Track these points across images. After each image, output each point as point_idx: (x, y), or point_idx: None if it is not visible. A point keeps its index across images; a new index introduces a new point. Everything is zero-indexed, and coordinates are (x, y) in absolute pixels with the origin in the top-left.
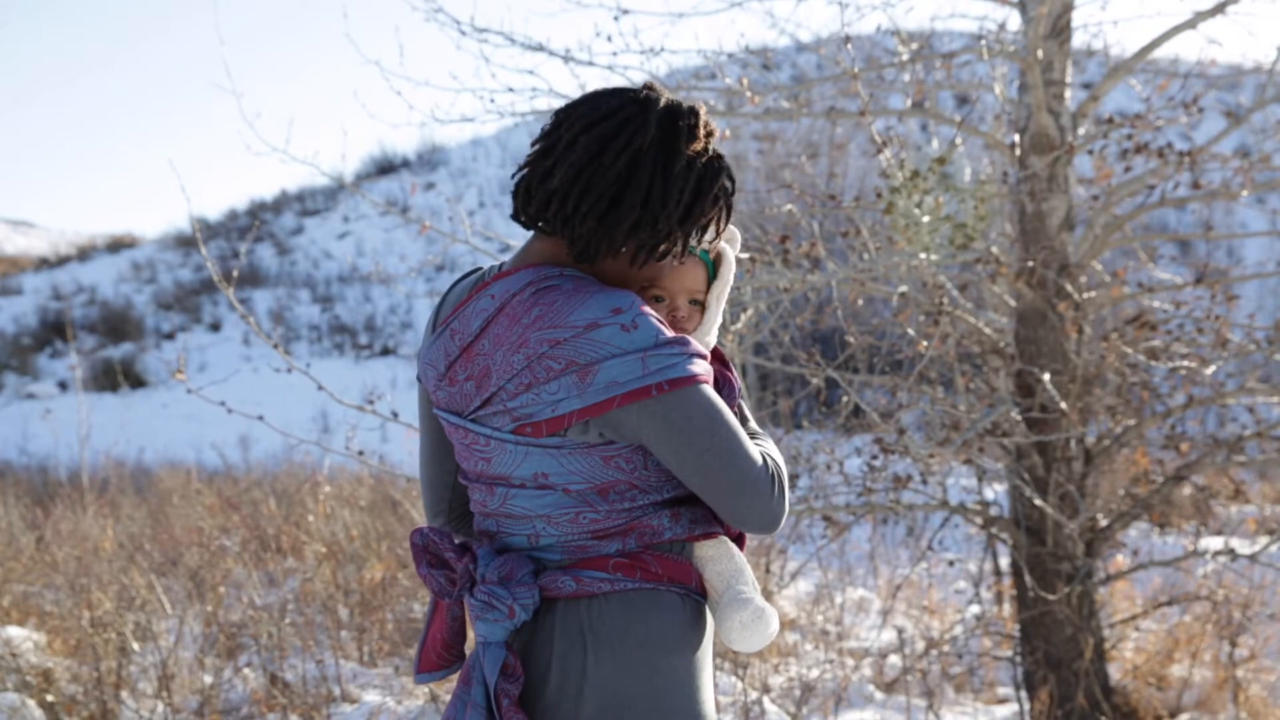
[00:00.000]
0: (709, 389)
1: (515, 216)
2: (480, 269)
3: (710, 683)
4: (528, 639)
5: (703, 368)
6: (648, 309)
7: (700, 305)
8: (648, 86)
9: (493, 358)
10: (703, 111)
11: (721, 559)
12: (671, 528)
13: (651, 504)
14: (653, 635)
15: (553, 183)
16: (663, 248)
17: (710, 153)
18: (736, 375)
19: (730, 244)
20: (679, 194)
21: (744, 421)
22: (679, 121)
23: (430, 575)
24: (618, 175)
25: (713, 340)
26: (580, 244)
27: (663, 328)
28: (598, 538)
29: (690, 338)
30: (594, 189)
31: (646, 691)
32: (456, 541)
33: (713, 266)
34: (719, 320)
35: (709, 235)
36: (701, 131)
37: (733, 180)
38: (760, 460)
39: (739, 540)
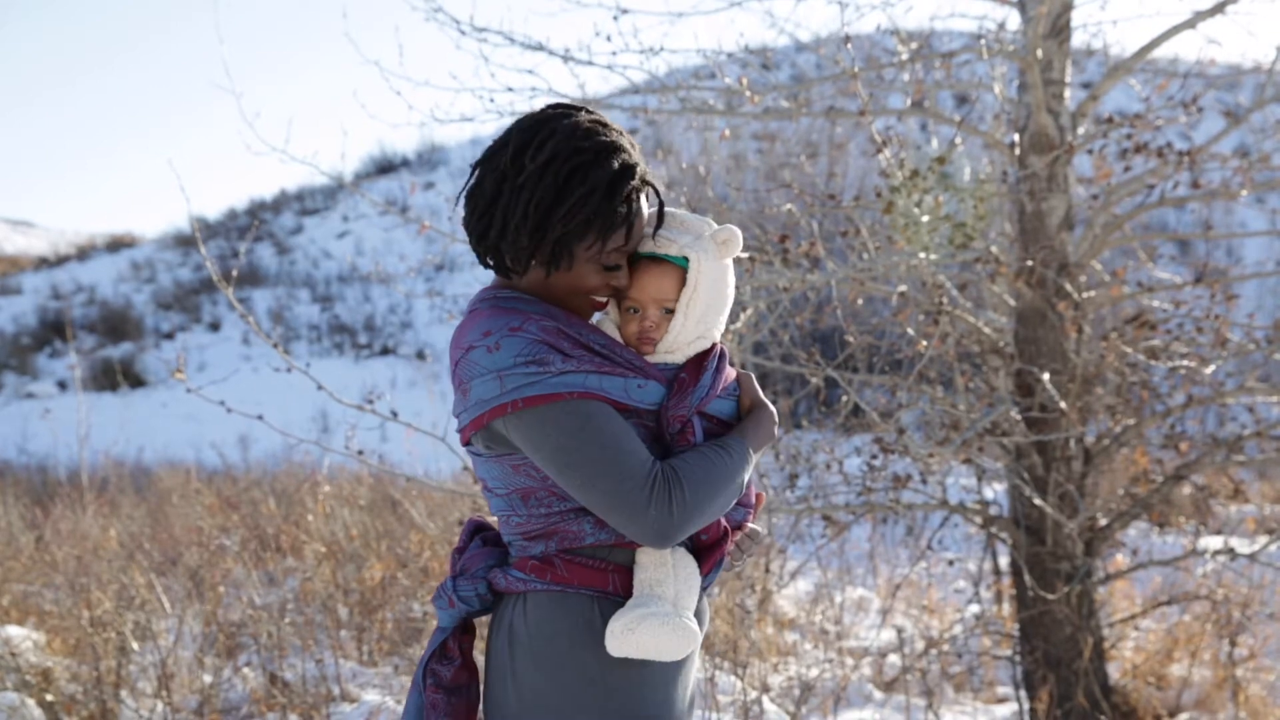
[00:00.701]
0: (579, 404)
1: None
2: None
3: (654, 684)
4: (491, 629)
5: (580, 385)
6: (527, 331)
7: (673, 312)
8: (545, 109)
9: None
10: (576, 123)
11: (650, 566)
12: (594, 533)
13: (570, 510)
14: (559, 633)
15: (463, 216)
16: (544, 258)
17: (573, 160)
18: (710, 377)
19: (726, 246)
20: (526, 204)
21: (749, 428)
22: (534, 137)
23: (453, 559)
24: (488, 196)
25: (696, 345)
26: (481, 261)
27: (536, 347)
28: (527, 539)
29: (570, 354)
30: (474, 210)
31: (558, 688)
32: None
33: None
34: (695, 324)
35: (621, 232)
36: (557, 142)
37: (622, 177)
38: (640, 473)
39: (714, 550)
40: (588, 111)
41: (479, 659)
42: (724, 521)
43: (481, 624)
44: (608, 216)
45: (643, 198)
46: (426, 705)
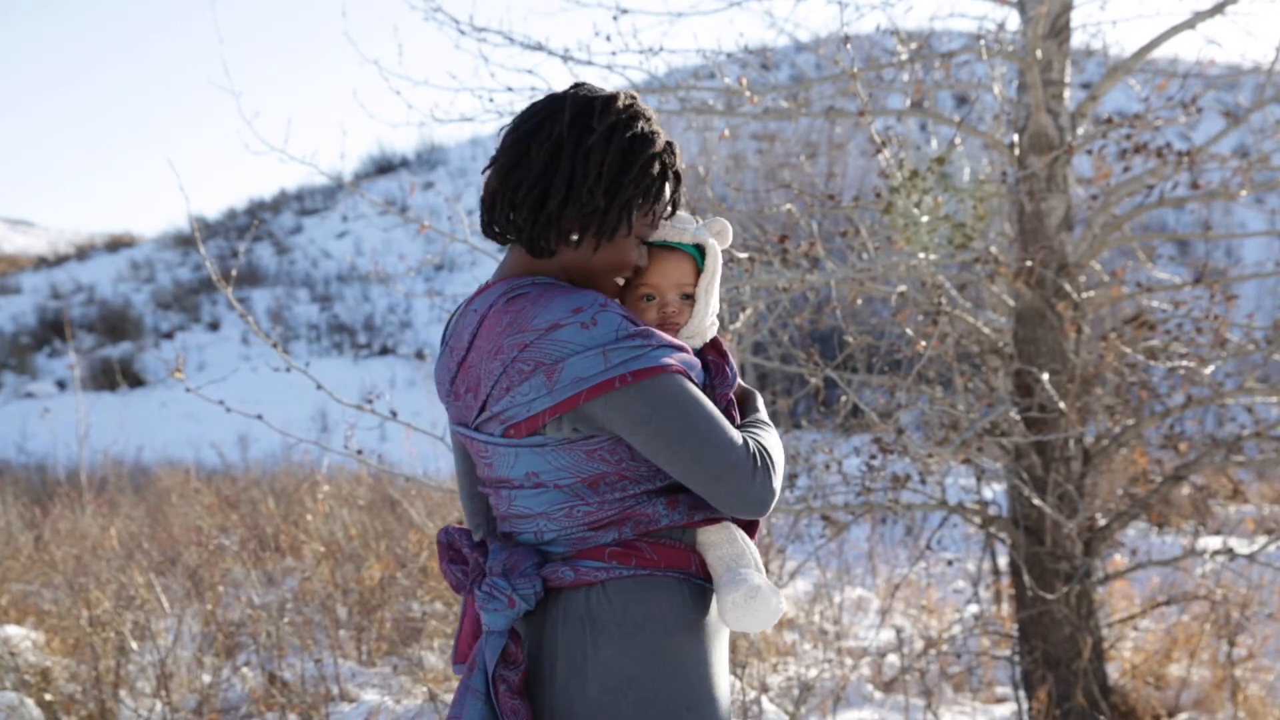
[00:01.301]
0: (679, 379)
1: (486, 234)
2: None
3: (723, 665)
4: (538, 629)
5: (674, 358)
6: (613, 306)
7: (690, 299)
8: (574, 86)
9: (480, 368)
10: (623, 95)
11: (723, 544)
12: (668, 514)
13: (644, 493)
14: (651, 618)
15: (491, 188)
16: (608, 225)
17: (634, 126)
18: (733, 363)
19: (720, 237)
20: (599, 165)
21: (752, 410)
22: (593, 104)
23: (449, 570)
24: (543, 165)
25: (709, 330)
26: (528, 239)
27: (627, 323)
28: (594, 529)
29: (655, 330)
30: (523, 183)
31: (646, 671)
32: (476, 539)
33: (701, 259)
34: (713, 310)
35: (662, 207)
36: (619, 108)
37: (669, 150)
38: (740, 442)
39: (749, 526)
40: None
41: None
42: None
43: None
44: (665, 183)
45: (674, 177)
46: (505, 712)
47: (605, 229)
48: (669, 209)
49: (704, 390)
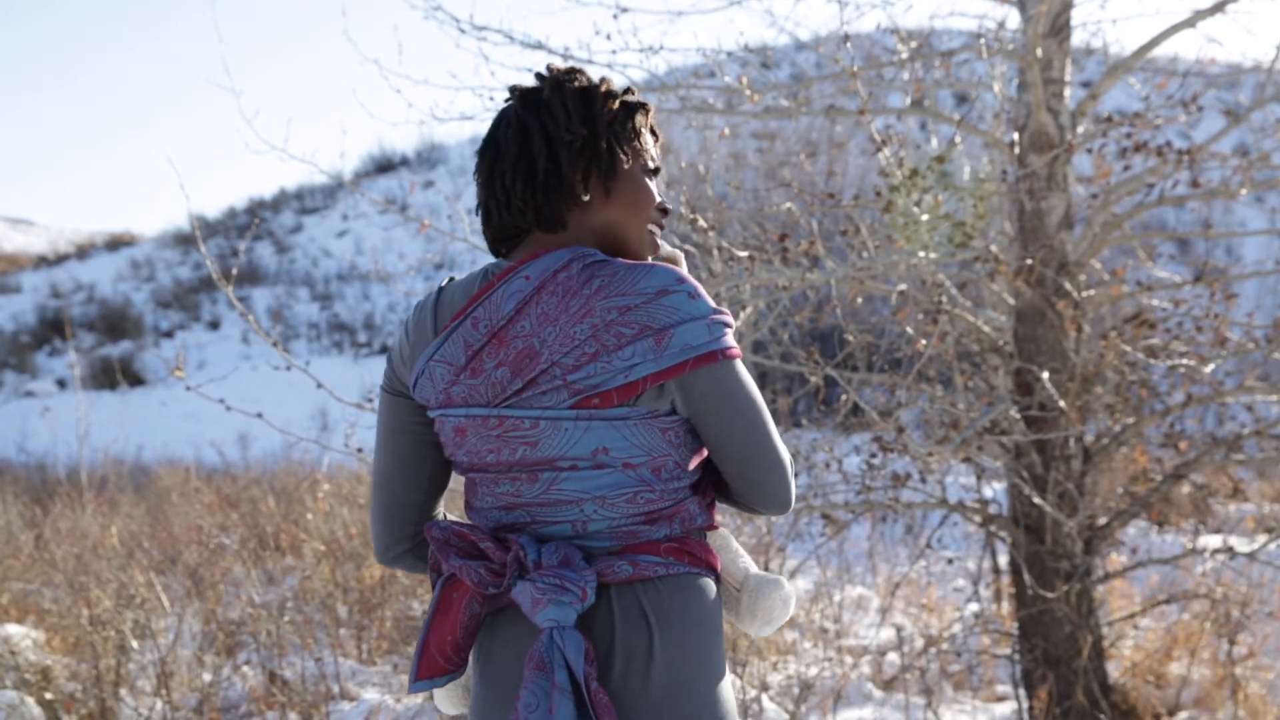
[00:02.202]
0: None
1: (494, 251)
2: (471, 273)
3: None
4: (583, 628)
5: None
6: None
7: None
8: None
9: (540, 336)
10: (575, 73)
11: (729, 548)
12: (701, 514)
13: (688, 486)
14: (705, 617)
15: (482, 198)
16: (603, 158)
17: (576, 78)
18: None
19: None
20: (564, 107)
21: None
22: (533, 83)
23: (468, 567)
24: (516, 146)
25: None
26: (535, 215)
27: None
28: (649, 521)
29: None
30: (505, 170)
31: (704, 672)
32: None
33: None
34: None
35: (643, 141)
36: (557, 74)
37: (621, 90)
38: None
39: None
40: None
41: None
42: None
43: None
44: (634, 113)
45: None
46: (601, 710)
47: (603, 164)
48: (651, 149)
49: None
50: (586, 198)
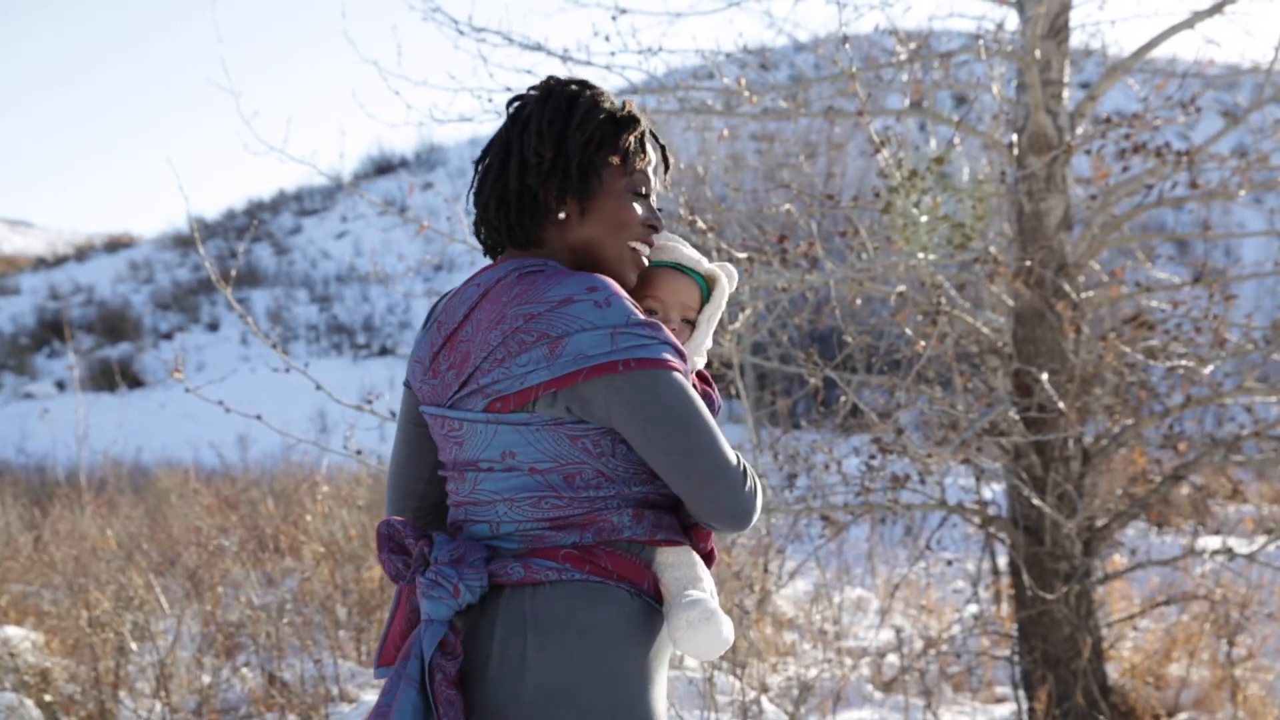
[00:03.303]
0: (682, 378)
1: (489, 258)
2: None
3: (662, 687)
4: (473, 624)
5: (675, 357)
6: (626, 297)
7: (691, 324)
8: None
9: (473, 341)
10: (565, 87)
11: (681, 566)
12: (632, 527)
13: (617, 496)
14: (596, 625)
15: (472, 210)
16: (573, 180)
17: (565, 89)
18: (718, 394)
19: (730, 280)
20: (539, 126)
21: None
22: (525, 95)
23: (389, 560)
24: (498, 162)
25: (698, 362)
26: (507, 233)
27: (637, 311)
28: (556, 527)
29: (664, 327)
30: (486, 183)
31: (588, 679)
32: (418, 530)
33: (707, 290)
34: (707, 343)
35: (633, 154)
36: (549, 85)
37: (623, 106)
38: (733, 453)
39: (708, 558)
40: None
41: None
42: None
43: None
44: (617, 135)
45: (647, 140)
46: (440, 702)
47: (574, 186)
48: (640, 157)
49: None
50: (562, 216)
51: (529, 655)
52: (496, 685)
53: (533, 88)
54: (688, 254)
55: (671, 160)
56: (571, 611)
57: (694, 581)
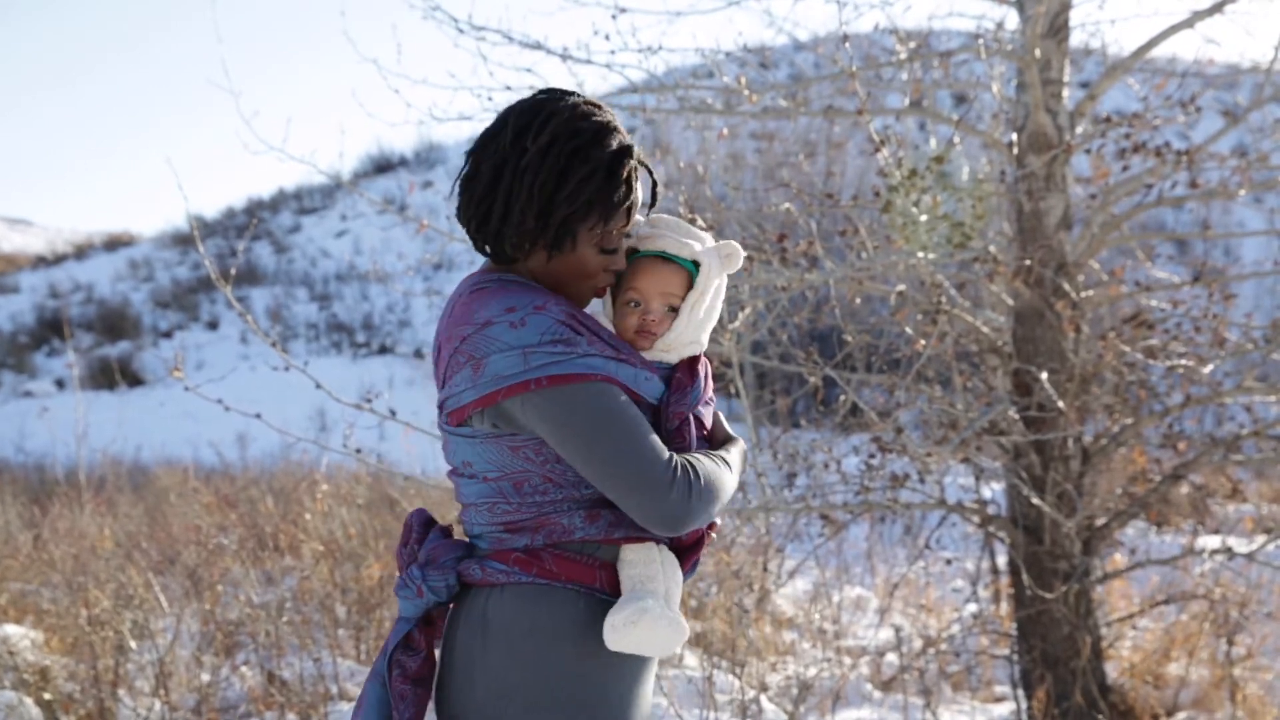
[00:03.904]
0: (601, 387)
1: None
2: None
3: (633, 683)
4: (450, 622)
5: (602, 368)
6: (552, 309)
7: (677, 311)
8: (542, 92)
9: (438, 355)
10: (569, 106)
11: (638, 564)
12: (584, 528)
13: (566, 500)
14: (540, 627)
15: (456, 200)
16: (547, 242)
17: (571, 142)
18: (703, 381)
19: (728, 260)
20: (530, 187)
21: (721, 449)
22: (534, 120)
23: (401, 552)
24: (487, 182)
25: (689, 348)
26: (485, 248)
27: (560, 327)
28: (510, 531)
29: (588, 336)
30: (473, 198)
31: (532, 681)
32: (426, 525)
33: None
34: (694, 328)
35: (617, 215)
36: (558, 123)
37: (619, 158)
38: (662, 457)
39: (683, 552)
40: (580, 95)
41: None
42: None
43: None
44: (610, 197)
45: (637, 180)
46: (394, 696)
47: (549, 244)
48: (626, 215)
49: (657, 405)
50: (528, 257)
51: (479, 657)
52: (457, 689)
53: (543, 100)
54: (674, 240)
55: (658, 181)
56: (518, 614)
57: (644, 580)
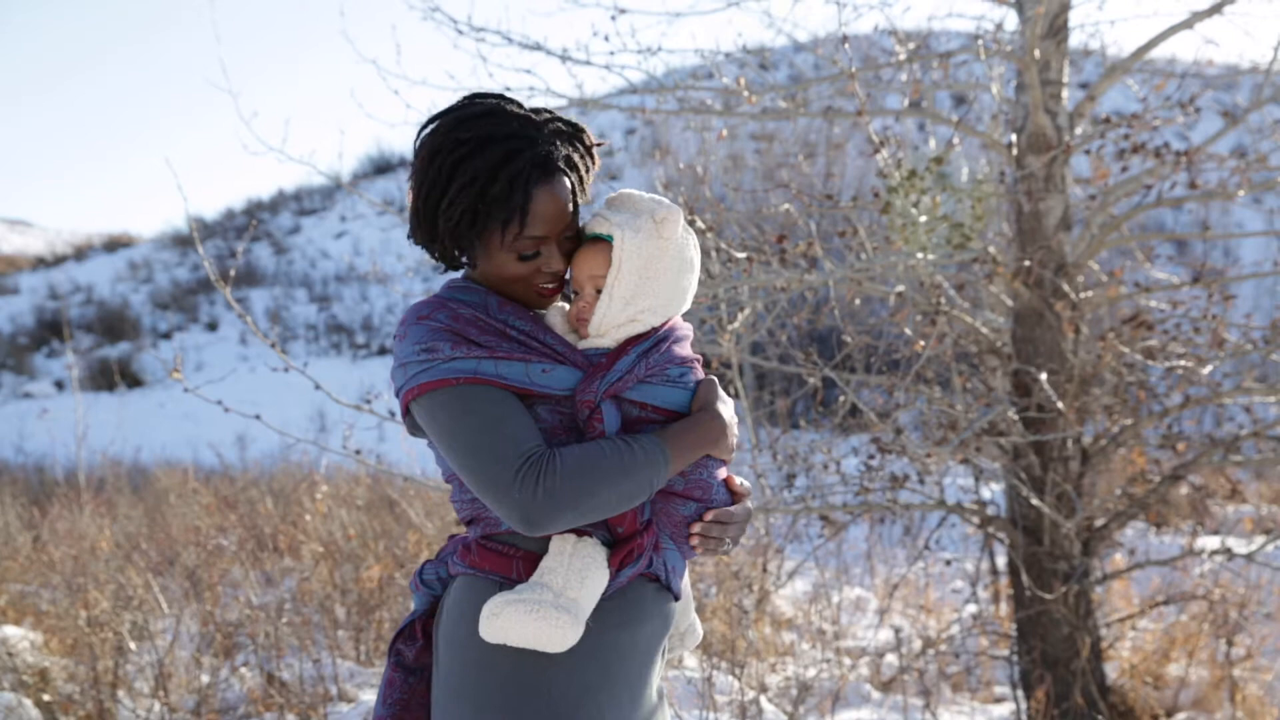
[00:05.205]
0: (466, 389)
1: None
2: None
3: (591, 673)
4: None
5: (466, 369)
6: (437, 317)
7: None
8: (463, 98)
9: None
10: (444, 120)
11: (550, 555)
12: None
13: None
14: (464, 616)
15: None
16: (450, 251)
17: (435, 161)
18: (634, 361)
19: (663, 225)
20: (417, 198)
21: (663, 407)
22: (421, 130)
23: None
24: (418, 196)
25: (626, 328)
26: (434, 258)
27: (431, 335)
28: (466, 523)
29: (455, 339)
30: (420, 222)
31: (457, 667)
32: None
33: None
34: (620, 305)
35: (511, 225)
36: (426, 143)
37: (501, 164)
38: (515, 455)
39: (620, 544)
40: (498, 99)
41: None
42: (643, 515)
43: None
44: (491, 207)
45: (547, 183)
46: (384, 682)
47: (453, 254)
48: (524, 220)
49: (568, 397)
50: (474, 267)
51: (440, 645)
52: (439, 671)
53: (440, 113)
54: (599, 218)
55: (594, 170)
56: (453, 604)
57: (544, 571)
